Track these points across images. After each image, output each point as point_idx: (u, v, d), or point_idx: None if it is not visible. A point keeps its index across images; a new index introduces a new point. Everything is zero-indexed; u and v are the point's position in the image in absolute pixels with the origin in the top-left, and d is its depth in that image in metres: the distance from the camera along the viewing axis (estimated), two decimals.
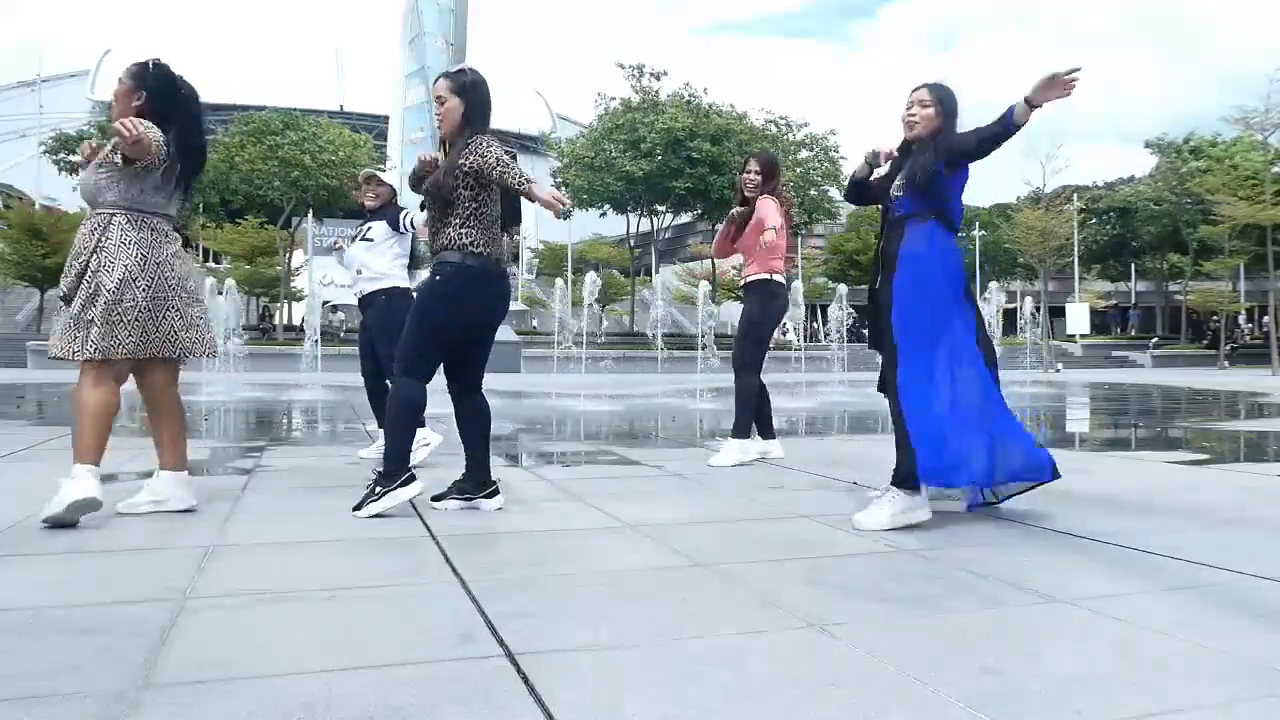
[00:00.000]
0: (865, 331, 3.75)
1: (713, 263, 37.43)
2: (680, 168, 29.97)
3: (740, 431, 5.04)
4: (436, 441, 4.89)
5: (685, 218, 37.17)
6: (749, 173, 5.08)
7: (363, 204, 5.34)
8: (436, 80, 3.48)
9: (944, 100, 3.38)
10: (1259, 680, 1.75)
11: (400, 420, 3.41)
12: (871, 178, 3.59)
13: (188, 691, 1.66)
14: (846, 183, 3.82)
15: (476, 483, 3.53)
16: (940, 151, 3.30)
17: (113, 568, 2.62)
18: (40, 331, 29.47)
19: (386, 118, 47.35)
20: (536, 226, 56.74)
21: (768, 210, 4.89)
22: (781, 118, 32.91)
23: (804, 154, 33.07)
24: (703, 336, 14.62)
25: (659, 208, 33.77)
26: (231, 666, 1.78)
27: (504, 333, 26.01)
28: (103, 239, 3.25)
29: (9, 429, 7.06)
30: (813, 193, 32.46)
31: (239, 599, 2.28)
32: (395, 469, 3.37)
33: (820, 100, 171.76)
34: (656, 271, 42.31)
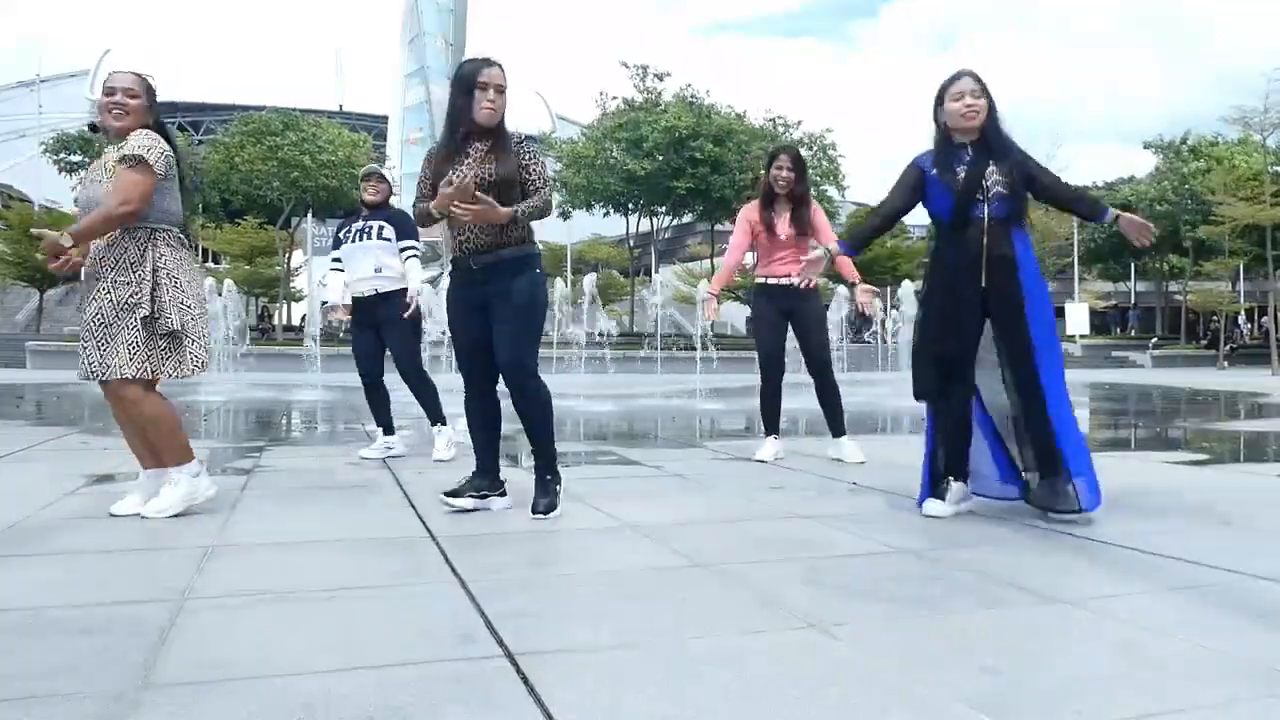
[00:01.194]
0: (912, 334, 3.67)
1: (712, 264, 37.43)
2: (682, 167, 29.95)
3: (844, 428, 5.04)
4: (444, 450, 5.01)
5: (686, 217, 37.14)
6: (781, 169, 4.93)
7: (361, 199, 5.31)
8: (493, 67, 3.32)
9: (988, 91, 3.37)
10: (1259, 680, 1.75)
11: (551, 418, 3.44)
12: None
13: (188, 691, 1.66)
14: (861, 242, 3.76)
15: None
16: (1024, 168, 3.36)
17: (113, 568, 2.62)
18: (40, 332, 29.48)
19: (386, 118, 47.36)
20: (538, 226, 56.71)
21: (826, 226, 4.98)
22: (780, 117, 32.91)
23: (803, 153, 33.07)
24: (703, 337, 14.61)
25: (658, 208, 33.75)
26: (231, 666, 1.78)
27: None
28: (158, 257, 3.27)
29: (9, 429, 7.06)
30: (812, 192, 32.43)
31: (239, 599, 2.28)
32: (556, 464, 3.45)
33: (820, 100, 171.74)
34: (656, 271, 42.30)
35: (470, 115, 3.29)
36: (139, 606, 2.19)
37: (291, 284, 33.33)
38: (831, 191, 33.03)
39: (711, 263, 37.38)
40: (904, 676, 1.75)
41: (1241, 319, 41.12)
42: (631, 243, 36.74)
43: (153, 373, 3.26)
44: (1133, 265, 44.36)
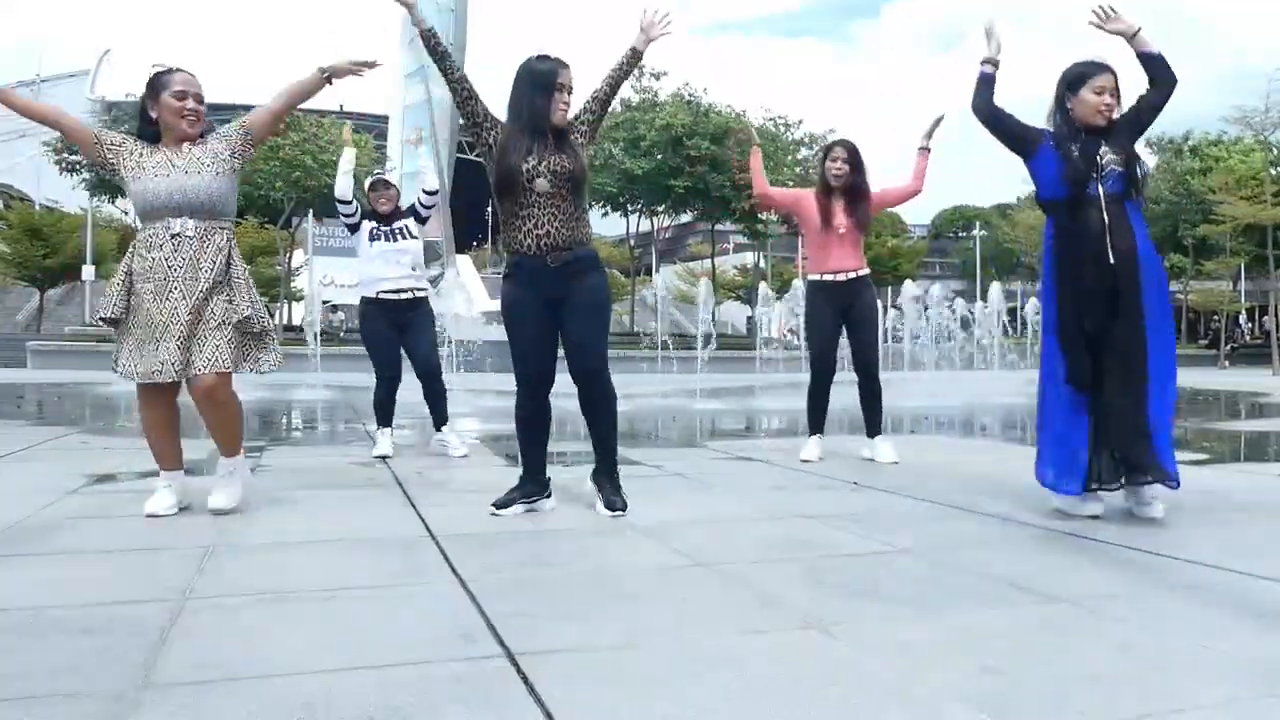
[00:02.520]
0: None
1: (712, 263, 37.40)
2: (680, 166, 29.95)
3: (880, 428, 5.05)
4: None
5: (685, 217, 37.14)
6: (835, 161, 4.89)
7: (373, 210, 5.26)
8: (569, 69, 3.35)
9: (1117, 79, 3.35)
10: (1259, 680, 1.75)
11: (616, 414, 3.49)
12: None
13: (188, 691, 1.66)
14: (977, 93, 3.58)
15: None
16: (1130, 137, 3.38)
17: (113, 568, 2.62)
18: (40, 331, 29.48)
19: (386, 118, 47.32)
20: None
21: (885, 197, 5.05)
22: (780, 117, 32.89)
23: (804, 153, 33.03)
24: (704, 337, 14.59)
25: (658, 207, 33.74)
26: (231, 666, 1.78)
27: (504, 333, 26.02)
28: (232, 252, 3.34)
29: (9, 429, 7.06)
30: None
31: (239, 599, 2.28)
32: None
33: (820, 100, 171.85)
34: (657, 271, 42.30)
35: (548, 115, 3.31)
36: (139, 606, 2.19)
37: (292, 284, 33.31)
38: None
39: (712, 263, 37.35)
40: (904, 676, 1.75)
41: (1242, 318, 41.10)
42: (632, 242, 36.73)
43: (250, 368, 3.39)
44: None
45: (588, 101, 3.51)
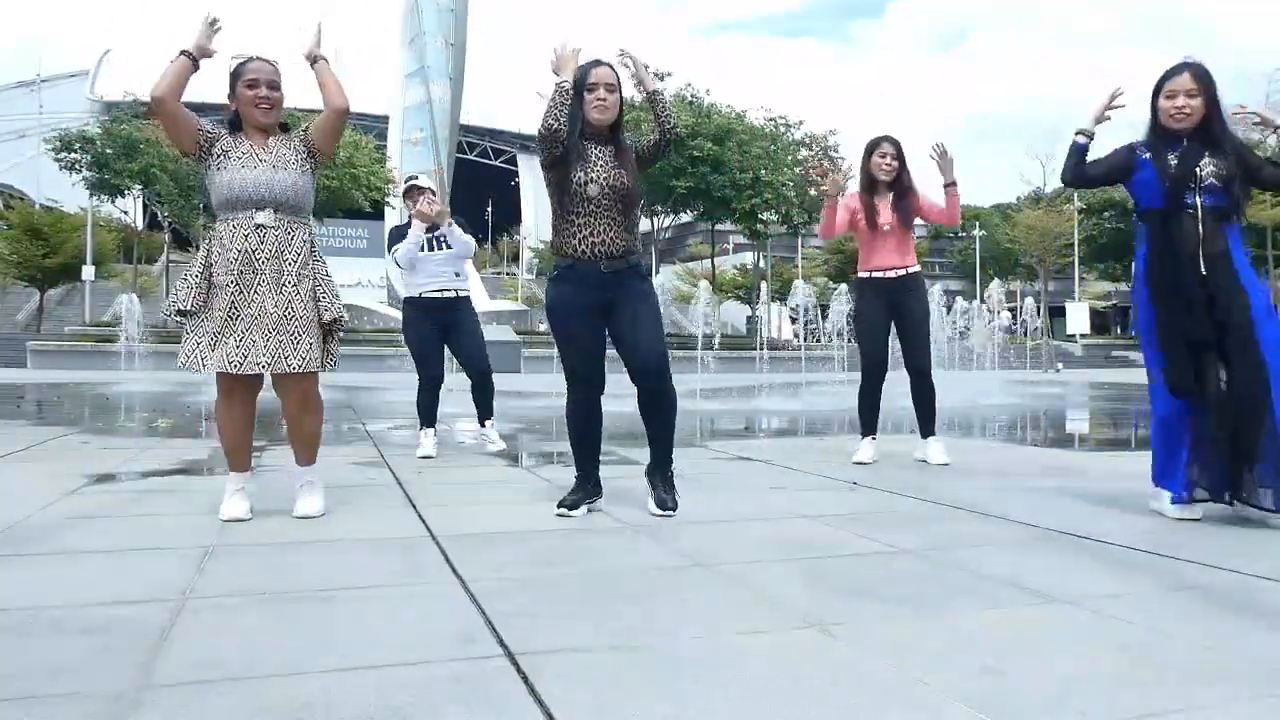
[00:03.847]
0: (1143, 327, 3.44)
1: (712, 263, 37.42)
2: (682, 167, 29.98)
3: (933, 429, 5.02)
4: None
5: (685, 217, 37.16)
6: (884, 156, 4.84)
7: (412, 215, 5.27)
8: (601, 66, 3.40)
9: (1210, 86, 3.27)
10: (1259, 680, 1.75)
11: (675, 413, 3.54)
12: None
13: (188, 691, 1.66)
14: (1066, 165, 3.56)
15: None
16: (1243, 160, 3.28)
17: (113, 568, 2.62)
18: (40, 331, 29.48)
19: (386, 118, 47.35)
20: (536, 226, 56.76)
21: (930, 202, 4.92)
22: (780, 117, 32.91)
23: (804, 153, 33.07)
24: (706, 337, 14.60)
25: (659, 207, 33.76)
26: (231, 666, 1.78)
27: (504, 333, 26.00)
28: (313, 247, 3.36)
29: (9, 429, 7.06)
30: (813, 192, 32.46)
31: (239, 599, 2.28)
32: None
33: (821, 100, 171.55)
34: (657, 272, 42.30)
35: (584, 118, 3.37)
36: (139, 606, 2.19)
37: None
38: None
39: (712, 262, 37.37)
40: (904, 676, 1.75)
41: None
42: None
43: (329, 366, 3.41)
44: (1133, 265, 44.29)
45: (642, 147, 3.57)
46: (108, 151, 29.82)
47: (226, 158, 3.26)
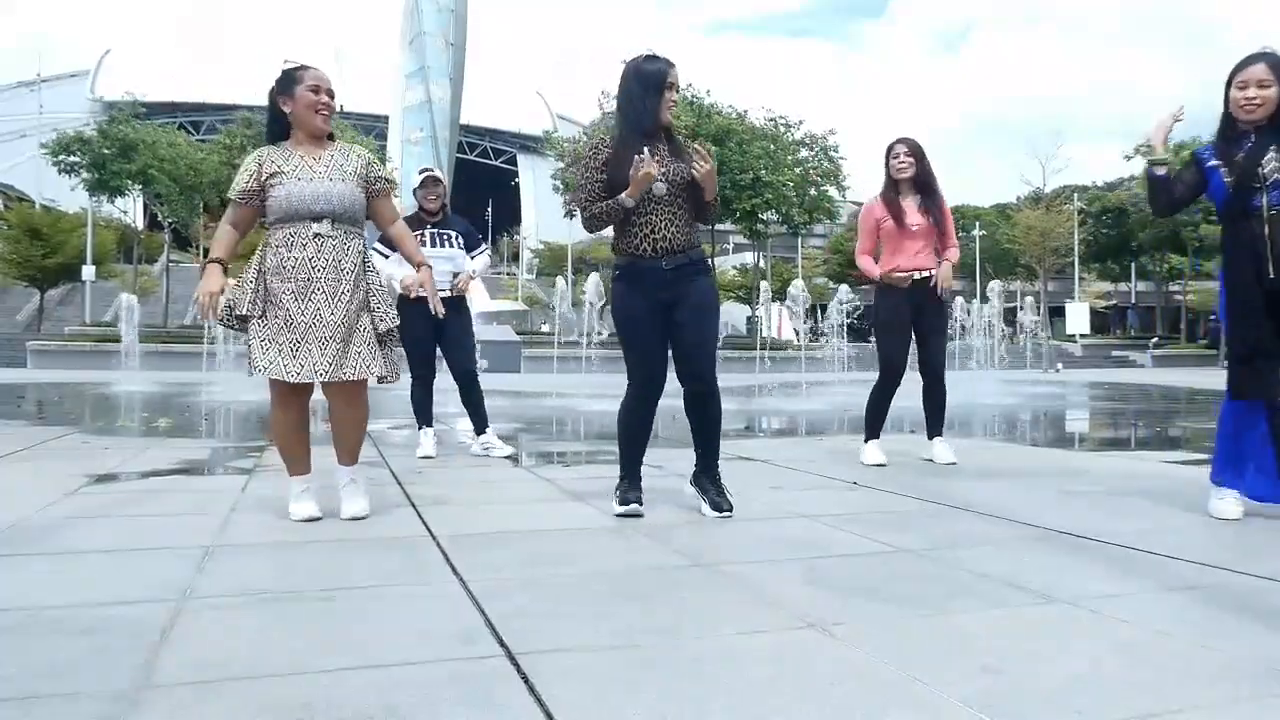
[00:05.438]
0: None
1: (712, 263, 37.35)
2: None
3: (941, 430, 5.04)
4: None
5: None
6: (898, 156, 4.79)
7: (421, 207, 5.30)
8: (675, 67, 3.37)
9: (1273, 65, 3.14)
10: (1259, 680, 1.75)
11: (721, 417, 3.54)
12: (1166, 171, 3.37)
13: (188, 691, 1.66)
14: (1154, 200, 3.48)
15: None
16: None
17: (113, 568, 2.62)
18: (40, 331, 29.47)
19: (386, 118, 47.35)
20: (536, 226, 56.77)
21: (949, 218, 4.87)
22: (781, 117, 32.89)
23: (804, 153, 33.05)
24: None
25: None
26: (231, 666, 1.78)
27: (504, 333, 26.00)
28: (367, 258, 3.39)
29: (9, 429, 7.06)
30: (813, 192, 32.46)
31: (239, 599, 2.28)
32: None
33: (822, 100, 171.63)
34: None
35: (658, 114, 3.35)
36: (139, 606, 2.19)
37: None
38: (832, 192, 33.03)
39: (712, 262, 37.35)
40: (904, 676, 1.75)
41: None
42: None
43: (394, 377, 3.44)
44: (1133, 265, 44.36)
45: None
46: (105, 152, 29.81)
47: (281, 176, 3.25)
